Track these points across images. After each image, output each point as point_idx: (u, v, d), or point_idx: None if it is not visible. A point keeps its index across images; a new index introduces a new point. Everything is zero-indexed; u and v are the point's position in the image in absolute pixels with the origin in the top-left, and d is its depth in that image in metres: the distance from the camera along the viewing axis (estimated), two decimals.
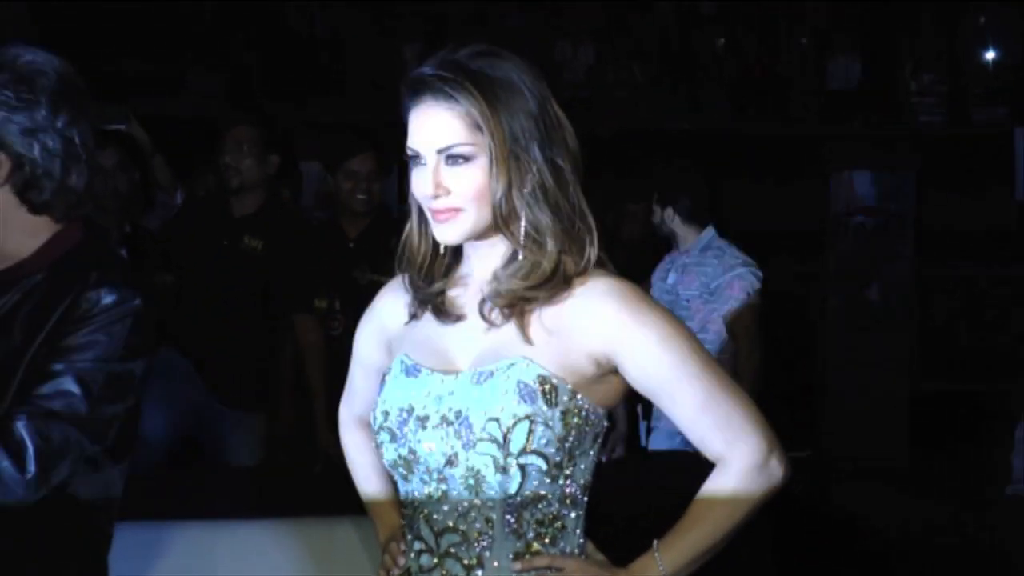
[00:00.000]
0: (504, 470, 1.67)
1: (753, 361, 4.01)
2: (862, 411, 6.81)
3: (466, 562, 1.71)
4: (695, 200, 4.19)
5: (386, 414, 1.76)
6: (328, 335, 3.99)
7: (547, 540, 1.72)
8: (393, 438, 1.74)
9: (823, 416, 6.93)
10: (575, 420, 1.69)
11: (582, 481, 1.75)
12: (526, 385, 1.68)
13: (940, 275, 7.43)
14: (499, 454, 1.67)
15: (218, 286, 3.90)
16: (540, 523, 1.72)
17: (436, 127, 1.70)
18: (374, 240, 3.91)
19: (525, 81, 1.71)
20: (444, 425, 1.70)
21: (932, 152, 7.10)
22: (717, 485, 1.72)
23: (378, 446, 1.78)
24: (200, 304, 3.92)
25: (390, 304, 1.87)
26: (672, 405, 1.72)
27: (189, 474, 3.66)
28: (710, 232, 4.17)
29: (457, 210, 1.71)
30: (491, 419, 1.67)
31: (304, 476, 3.71)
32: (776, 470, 1.73)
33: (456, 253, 1.80)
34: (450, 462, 1.70)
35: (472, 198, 1.70)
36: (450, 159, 1.70)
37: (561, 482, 1.71)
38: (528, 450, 1.67)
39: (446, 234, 1.73)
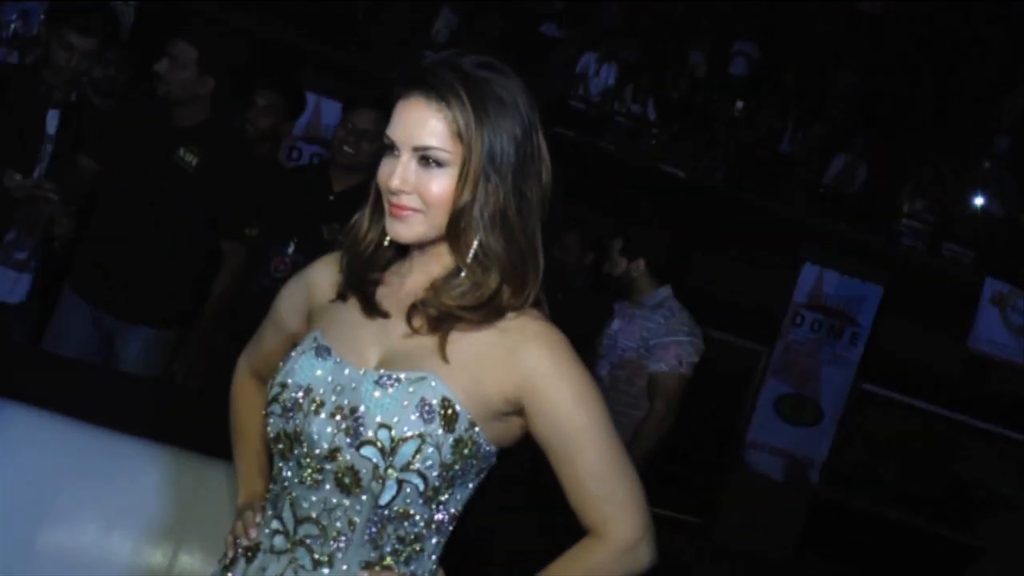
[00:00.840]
0: (381, 480, 1.65)
1: (662, 428, 4.00)
2: (765, 496, 6.89)
3: (317, 556, 1.69)
4: (669, 258, 4.20)
5: (283, 386, 1.72)
6: (272, 277, 3.94)
7: (402, 558, 1.70)
8: (283, 413, 1.71)
9: (727, 491, 7.01)
10: (465, 451, 1.67)
11: (453, 511, 1.72)
12: (428, 403, 1.65)
13: (877, 394, 7.50)
14: (381, 462, 1.64)
15: (141, 192, 3.72)
16: (400, 540, 1.69)
17: (419, 124, 1.67)
18: (355, 200, 3.78)
19: (519, 104, 1.68)
20: (337, 417, 1.68)
21: (903, 276, 7.18)
22: (584, 555, 1.70)
23: (266, 415, 1.74)
24: (117, 207, 3.76)
25: (321, 277, 1.83)
26: (564, 464, 1.70)
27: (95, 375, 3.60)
28: (667, 291, 4.18)
29: (416, 210, 1.68)
30: (383, 426, 1.64)
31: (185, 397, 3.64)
32: (643, 556, 1.72)
33: (400, 251, 1.77)
34: (332, 455, 1.67)
35: (434, 203, 1.67)
36: (424, 160, 1.67)
37: (433, 507, 1.69)
38: (411, 468, 1.64)
39: (399, 231, 1.70)
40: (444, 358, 1.68)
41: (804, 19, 8.15)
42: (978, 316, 7.15)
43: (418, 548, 1.71)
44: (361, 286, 1.76)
